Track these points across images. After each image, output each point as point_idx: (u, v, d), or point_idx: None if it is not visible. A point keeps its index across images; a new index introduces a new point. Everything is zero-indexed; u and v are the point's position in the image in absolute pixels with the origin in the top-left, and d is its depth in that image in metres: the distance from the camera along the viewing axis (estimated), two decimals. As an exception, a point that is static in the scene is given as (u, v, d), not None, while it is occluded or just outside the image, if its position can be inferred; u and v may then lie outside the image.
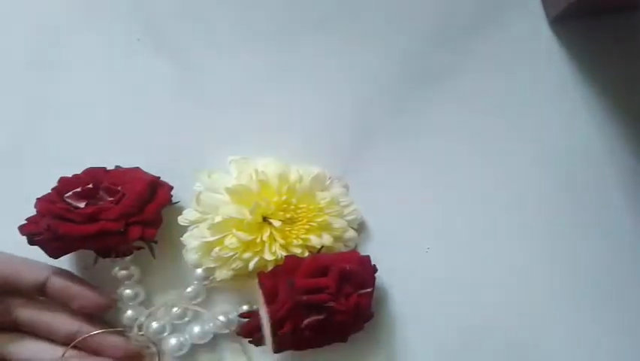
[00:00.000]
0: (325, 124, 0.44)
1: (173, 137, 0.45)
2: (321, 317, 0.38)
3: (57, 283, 0.41)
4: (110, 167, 0.43)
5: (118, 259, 0.42)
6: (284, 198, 0.40)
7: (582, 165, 0.44)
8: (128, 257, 0.42)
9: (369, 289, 0.39)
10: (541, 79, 0.45)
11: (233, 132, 0.45)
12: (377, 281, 0.41)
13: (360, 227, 0.43)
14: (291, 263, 0.39)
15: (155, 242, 0.42)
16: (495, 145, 0.44)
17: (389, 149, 0.44)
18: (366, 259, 0.40)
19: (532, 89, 0.44)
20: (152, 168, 0.43)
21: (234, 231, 0.39)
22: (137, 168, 0.43)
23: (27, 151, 0.45)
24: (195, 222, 0.41)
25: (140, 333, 0.42)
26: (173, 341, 0.42)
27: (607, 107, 0.44)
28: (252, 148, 0.44)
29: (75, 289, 0.41)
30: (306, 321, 0.37)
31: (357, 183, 0.44)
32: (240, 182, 0.40)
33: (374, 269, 0.40)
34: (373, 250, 0.42)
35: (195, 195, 0.41)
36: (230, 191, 0.40)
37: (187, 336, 0.42)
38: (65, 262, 0.43)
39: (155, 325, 0.42)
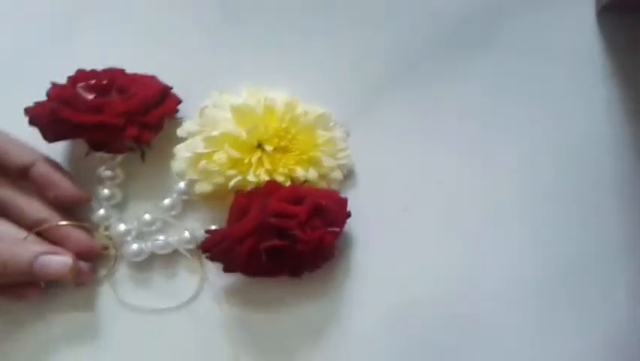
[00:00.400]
0: (346, 74, 0.44)
1: (197, 62, 0.45)
2: (282, 243, 0.37)
3: (41, 168, 0.41)
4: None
5: (108, 156, 0.42)
6: (284, 125, 0.40)
7: (594, 163, 0.43)
8: (118, 158, 0.43)
9: (337, 229, 0.38)
10: (573, 70, 0.43)
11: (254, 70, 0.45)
12: (349, 228, 0.40)
13: (350, 174, 0.43)
14: (270, 187, 0.39)
15: (149, 147, 0.42)
16: (510, 127, 0.43)
17: (402, 113, 0.44)
18: (344, 200, 0.40)
19: (561, 78, 0.43)
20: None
21: (226, 146, 0.39)
22: (154, 76, 0.43)
23: (54, 51, 0.46)
24: (193, 135, 0.42)
25: (106, 233, 0.42)
26: (134, 246, 0.42)
27: (631, 111, 0.43)
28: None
29: (56, 178, 0.41)
30: (266, 243, 0.37)
31: (360, 133, 0.43)
32: (247, 103, 0.41)
33: (348, 213, 0.40)
34: (356, 196, 0.41)
35: (200, 108, 0.42)
36: (235, 109, 0.40)
37: (149, 244, 0.42)
38: (58, 151, 0.43)
39: (122, 227, 0.42)
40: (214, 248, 0.39)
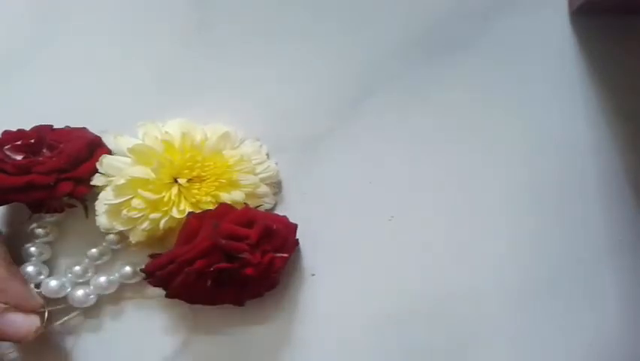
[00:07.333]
0: (319, 83, 0.43)
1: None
2: (231, 265, 0.37)
3: None
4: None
5: (48, 215, 0.41)
6: (188, 155, 0.39)
7: (576, 163, 0.43)
8: (53, 217, 0.41)
9: (285, 255, 0.39)
10: (550, 72, 0.43)
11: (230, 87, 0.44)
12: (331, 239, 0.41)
13: (278, 186, 0.43)
14: (222, 209, 0.38)
15: (87, 200, 0.41)
16: (490, 130, 0.43)
17: (379, 115, 0.43)
18: (293, 226, 0.40)
19: (539, 80, 0.43)
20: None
21: (139, 190, 0.38)
22: (84, 128, 0.41)
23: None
24: (103, 187, 0.40)
25: (37, 291, 0.40)
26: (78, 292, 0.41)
27: (607, 112, 0.43)
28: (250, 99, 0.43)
29: None
30: (215, 265, 0.37)
31: (342, 142, 0.43)
32: (144, 143, 0.39)
33: (297, 242, 0.40)
34: (338, 205, 0.42)
35: (100, 159, 0.40)
36: (133, 151, 0.39)
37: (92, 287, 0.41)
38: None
39: (53, 283, 0.40)
40: (159, 271, 0.38)
